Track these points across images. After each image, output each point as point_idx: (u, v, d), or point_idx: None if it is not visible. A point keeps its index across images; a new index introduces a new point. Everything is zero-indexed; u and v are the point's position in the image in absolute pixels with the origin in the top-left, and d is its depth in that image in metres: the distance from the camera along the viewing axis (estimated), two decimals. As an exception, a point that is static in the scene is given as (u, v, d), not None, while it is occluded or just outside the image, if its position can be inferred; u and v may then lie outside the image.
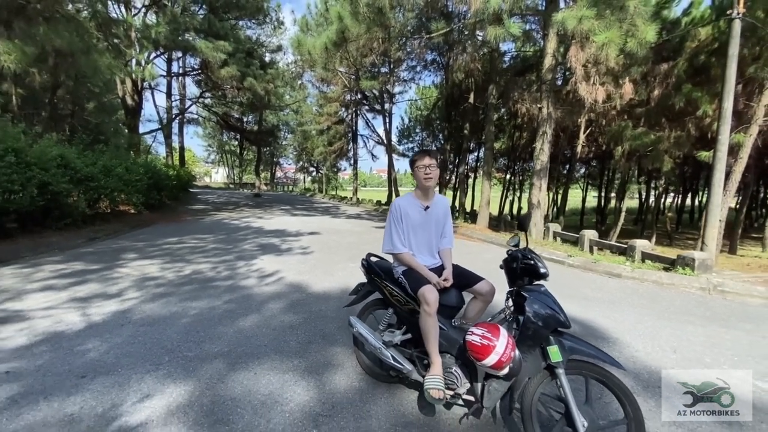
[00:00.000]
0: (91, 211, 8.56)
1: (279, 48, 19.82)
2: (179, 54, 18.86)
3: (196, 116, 25.76)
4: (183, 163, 25.96)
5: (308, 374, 2.57)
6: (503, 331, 1.82)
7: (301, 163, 39.24)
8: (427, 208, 2.30)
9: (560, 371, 1.78)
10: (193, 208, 16.14)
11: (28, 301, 3.86)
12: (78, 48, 8.05)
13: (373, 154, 27.46)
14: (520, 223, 2.21)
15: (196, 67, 18.37)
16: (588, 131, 13.94)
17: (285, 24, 20.34)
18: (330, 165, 30.83)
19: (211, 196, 24.22)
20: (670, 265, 6.25)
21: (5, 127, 6.53)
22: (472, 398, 2.00)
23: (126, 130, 16.75)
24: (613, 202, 22.31)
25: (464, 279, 2.26)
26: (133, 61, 13.24)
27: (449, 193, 21.80)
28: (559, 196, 21.56)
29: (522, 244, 2.19)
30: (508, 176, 23.56)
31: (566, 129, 14.48)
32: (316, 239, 8.62)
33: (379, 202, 23.06)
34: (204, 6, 15.66)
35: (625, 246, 7.19)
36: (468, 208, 19.04)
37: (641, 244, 6.97)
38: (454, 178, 20.32)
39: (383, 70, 19.89)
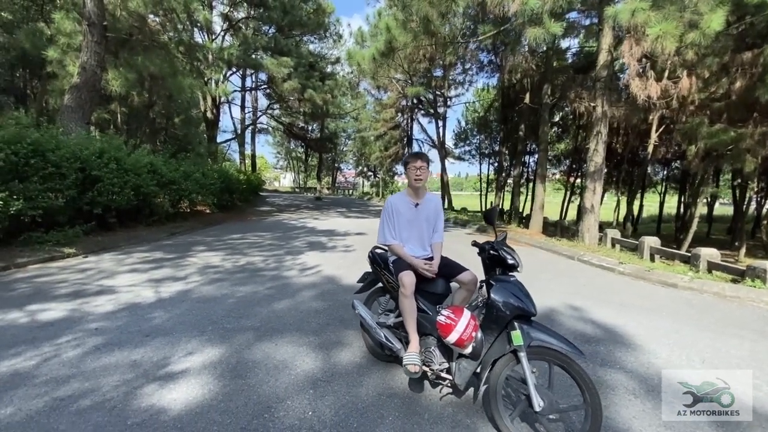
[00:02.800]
0: (173, 210, 10.01)
1: (338, 60, 21.05)
2: (251, 71, 20.99)
3: (265, 126, 28.15)
4: (254, 168, 28.54)
5: (319, 349, 2.95)
6: (466, 313, 2.02)
7: (360, 167, 40.66)
8: (417, 205, 2.55)
9: (522, 354, 1.92)
10: (259, 209, 17.73)
11: (118, 279, 4.81)
12: (167, 72, 9.56)
13: (428, 158, 27.32)
14: (486, 216, 2.37)
15: (265, 81, 20.21)
16: (661, 129, 12.73)
17: (344, 37, 21.55)
18: (386, 169, 31.56)
19: (278, 199, 26.24)
20: (739, 276, 5.62)
21: (110, 139, 8.02)
22: (450, 376, 2.21)
23: (206, 140, 19.03)
24: (697, 209, 19.78)
25: (450, 269, 2.46)
26: (213, 79, 15.11)
27: (506, 196, 21.13)
28: (636, 202, 19.70)
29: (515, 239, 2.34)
30: (571, 179, 22.09)
31: (635, 128, 13.35)
32: (361, 239, 9.10)
33: (433, 206, 23.14)
34: (272, 26, 17.28)
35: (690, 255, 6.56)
36: (525, 212, 18.30)
37: (707, 253, 6.32)
38: (510, 181, 19.64)
39: (437, 74, 20.06)
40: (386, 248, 2.89)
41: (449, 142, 28.08)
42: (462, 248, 8.31)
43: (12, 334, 3.01)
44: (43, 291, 4.19)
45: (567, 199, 22.60)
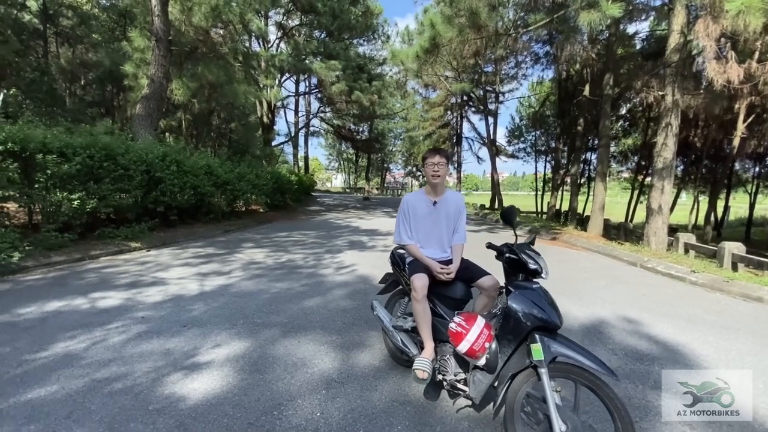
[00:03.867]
0: (228, 209, 10.70)
1: (386, 61, 21.14)
2: (304, 75, 21.85)
3: (317, 129, 29.16)
4: (307, 170, 29.71)
5: (340, 349, 2.92)
6: (479, 321, 1.85)
7: (408, 168, 40.55)
8: (435, 203, 2.41)
9: (542, 371, 1.71)
10: (309, 209, 18.39)
11: (171, 272, 5.21)
12: (223, 80, 10.25)
13: (478, 157, 26.55)
14: (503, 216, 2.15)
15: (316, 85, 20.93)
16: (751, 119, 11.08)
17: (392, 38, 21.60)
18: (435, 169, 31.06)
19: (328, 199, 27.04)
20: None
21: (172, 143, 8.77)
22: (466, 388, 2.05)
23: (262, 144, 20.16)
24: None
25: (470, 273, 2.29)
26: (267, 85, 15.97)
27: (566, 196, 19.75)
28: (720, 203, 17.33)
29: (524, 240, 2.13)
30: (640, 177, 20.07)
31: (717, 118, 11.76)
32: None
33: (482, 206, 22.35)
34: (323, 31, 17.84)
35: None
36: (584, 214, 16.96)
37: (806, 262, 5.34)
38: (568, 179, 18.33)
39: (487, 69, 19.31)
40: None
41: (502, 140, 26.96)
42: None
43: (73, 319, 3.37)
44: (106, 281, 4.66)
45: (635, 199, 20.60)
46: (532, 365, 1.77)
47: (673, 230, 12.60)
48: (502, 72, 19.65)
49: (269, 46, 16.97)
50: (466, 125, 25.82)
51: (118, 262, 5.71)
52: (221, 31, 14.86)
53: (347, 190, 48.27)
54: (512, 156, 25.93)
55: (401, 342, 2.41)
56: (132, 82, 11.48)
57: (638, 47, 13.88)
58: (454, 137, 26.71)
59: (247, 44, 16.35)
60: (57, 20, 21.50)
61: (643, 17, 11.67)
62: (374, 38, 19.96)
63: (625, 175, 23.28)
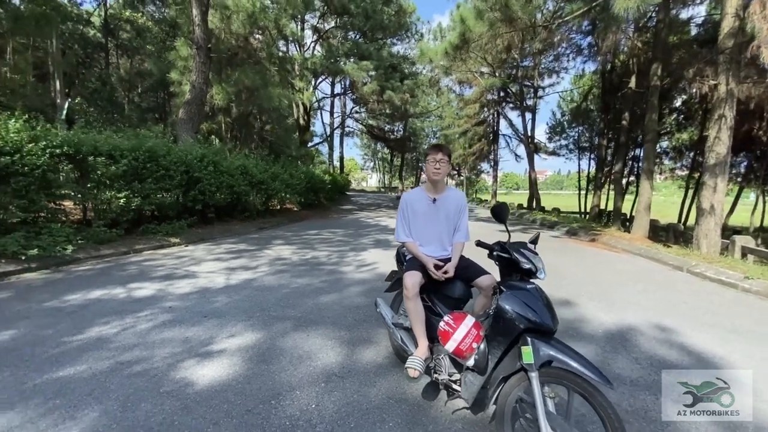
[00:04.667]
0: (263, 207, 11.16)
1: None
2: (339, 77, 22.25)
3: (352, 129, 29.61)
4: (342, 170, 30.26)
5: (346, 344, 2.96)
6: (467, 321, 1.80)
7: (444, 166, 40.08)
8: (435, 200, 2.37)
9: (532, 374, 1.64)
10: (342, 207, 18.72)
11: (202, 266, 5.53)
12: (258, 84, 10.70)
13: (516, 155, 25.68)
14: (494, 213, 2.06)
15: (349, 86, 21.27)
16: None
17: (425, 36, 21.40)
18: (470, 167, 30.47)
19: (362, 199, 27.39)
20: None
21: (217, 146, 9.30)
22: (460, 389, 2.01)
23: (298, 144, 20.80)
24: None
25: (469, 272, 2.23)
26: (302, 88, 16.48)
27: (612, 195, 18.56)
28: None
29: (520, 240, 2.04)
30: (695, 175, 18.40)
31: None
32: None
33: (519, 205, 21.61)
34: (356, 32, 18.07)
35: None
36: (630, 214, 15.88)
37: None
38: (611, 177, 17.23)
39: (526, 63, 18.61)
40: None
41: (542, 137, 25.81)
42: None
43: (110, 306, 3.68)
44: (145, 272, 5.04)
45: (690, 199, 18.93)
46: (522, 369, 1.70)
47: (735, 233, 11.44)
48: (541, 66, 18.85)
49: (305, 49, 17.46)
50: (503, 122, 24.94)
51: (157, 256, 6.15)
52: (259, 37, 15.54)
53: (381, 189, 48.52)
54: (553, 153, 24.79)
55: (401, 339, 2.40)
56: (177, 89, 12.32)
57: (693, 33, 12.76)
58: (491, 135, 26.03)
59: (284, 49, 16.95)
60: (117, 33, 23.48)
61: (697, 1, 10.74)
62: (407, 37, 19.91)
63: (681, 172, 21.49)
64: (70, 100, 14.32)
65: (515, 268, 1.85)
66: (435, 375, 2.10)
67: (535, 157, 21.81)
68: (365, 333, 3.19)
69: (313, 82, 16.67)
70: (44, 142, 5.34)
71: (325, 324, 3.37)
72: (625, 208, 16.39)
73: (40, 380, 2.31)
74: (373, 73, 17.19)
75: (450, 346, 1.79)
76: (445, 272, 2.18)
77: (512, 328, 1.72)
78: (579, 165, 23.98)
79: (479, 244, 2.04)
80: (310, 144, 22.44)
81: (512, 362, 1.76)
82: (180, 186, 7.70)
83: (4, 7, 10.22)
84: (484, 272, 2.19)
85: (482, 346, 1.78)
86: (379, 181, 55.33)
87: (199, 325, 3.26)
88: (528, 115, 19.64)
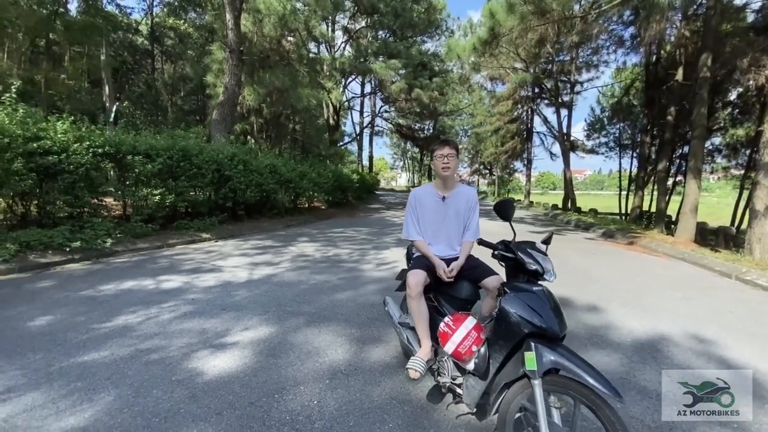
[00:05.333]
0: (291, 205, 11.42)
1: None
2: (369, 76, 22.38)
3: (381, 128, 29.71)
4: (371, 169, 30.40)
5: (355, 342, 2.95)
6: (467, 323, 1.72)
7: (475, 165, 39.27)
8: (444, 198, 2.29)
9: (535, 382, 1.54)
10: (370, 206, 18.79)
11: (229, 260, 5.72)
12: (288, 85, 10.96)
13: (551, 153, 24.69)
14: (497, 210, 1.95)
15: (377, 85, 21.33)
16: None
17: (456, 33, 21.01)
18: (502, 166, 29.66)
19: (390, 198, 27.37)
20: None
21: (245, 145, 9.63)
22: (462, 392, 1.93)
23: (328, 144, 21.13)
24: None
25: (477, 272, 2.14)
26: (332, 88, 16.71)
27: (654, 196, 17.39)
28: None
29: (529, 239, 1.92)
30: (752, 175, 16.84)
31: None
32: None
33: (555, 206, 20.76)
34: (386, 31, 18.07)
35: None
36: (675, 216, 14.79)
37: None
38: (654, 176, 16.15)
39: (562, 57, 17.82)
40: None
41: (580, 134, 24.67)
42: (561, 252, 7.22)
43: (138, 297, 3.88)
44: (174, 266, 5.29)
45: (745, 200, 17.35)
46: (524, 375, 1.61)
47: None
48: (579, 60, 17.96)
49: (335, 50, 17.69)
50: (537, 119, 24.06)
51: (188, 251, 6.44)
52: (291, 39, 15.92)
53: (411, 189, 48.32)
54: (591, 151, 23.55)
55: (407, 339, 2.34)
56: (212, 91, 12.87)
57: (749, 21, 11.65)
58: (524, 132, 25.18)
59: (315, 50, 17.26)
60: (162, 40, 24.91)
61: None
62: (437, 34, 19.67)
63: (736, 171, 19.74)
64: (118, 103, 15.35)
65: (522, 269, 1.75)
66: (438, 377, 2.03)
67: (572, 155, 20.88)
68: (376, 331, 3.16)
69: (342, 82, 16.85)
70: (88, 142, 5.75)
71: (337, 321, 3.37)
72: (672, 209, 15.31)
73: (66, 363, 2.47)
74: (402, 71, 17.12)
75: (448, 347, 1.72)
76: (450, 273, 2.11)
77: (515, 332, 1.63)
78: (620, 164, 22.66)
79: (482, 242, 1.94)
80: (339, 143, 22.72)
81: (515, 368, 1.67)
82: (211, 184, 8.03)
83: (60, 17, 11.10)
84: (492, 273, 2.10)
85: (482, 350, 1.70)
86: (408, 180, 55.15)
87: (217, 318, 3.36)
88: (564, 112, 18.83)
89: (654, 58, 13.88)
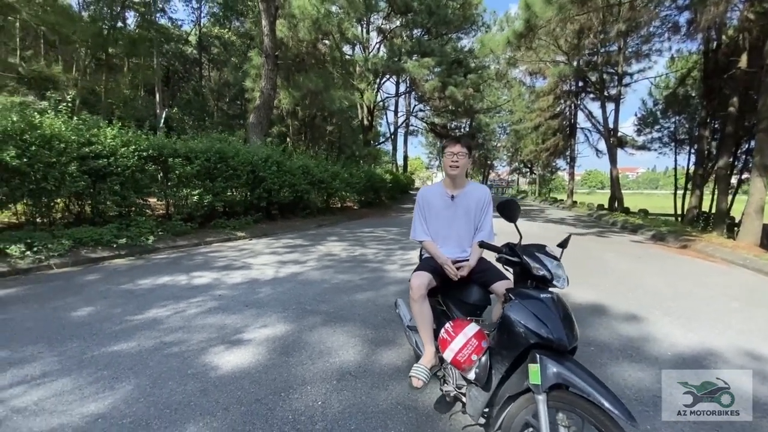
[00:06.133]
0: (323, 205, 11.63)
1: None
2: (404, 76, 22.31)
3: (415, 128, 29.53)
4: (406, 168, 30.29)
5: (368, 344, 2.92)
6: (467, 330, 1.63)
7: (514, 164, 37.95)
8: (453, 197, 2.19)
9: (539, 397, 1.43)
10: (403, 206, 18.71)
11: (259, 258, 5.92)
12: (321, 87, 11.17)
13: (597, 150, 23.27)
14: (501, 210, 1.80)
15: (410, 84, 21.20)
16: None
17: (493, 28, 20.33)
18: (543, 164, 28.40)
19: (425, 197, 27.10)
20: None
21: (274, 146, 9.95)
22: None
23: (362, 144, 21.33)
24: None
25: (487, 276, 2.03)
26: (365, 89, 16.85)
27: (714, 196, 15.84)
28: None
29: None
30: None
31: None
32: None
33: (600, 206, 19.57)
34: (420, 29, 17.92)
35: None
36: (739, 218, 13.37)
37: None
38: (714, 174, 14.69)
39: (609, 48, 16.72)
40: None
41: (629, 129, 23.06)
42: (601, 255, 6.75)
43: (170, 292, 4.10)
44: (208, 263, 5.55)
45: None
46: (528, 389, 1.49)
47: None
48: (628, 50, 16.74)
49: (369, 51, 17.81)
50: (581, 115, 22.76)
51: (223, 248, 6.74)
52: (327, 42, 16.24)
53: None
54: (642, 147, 21.88)
55: (415, 344, 2.27)
56: (250, 95, 13.42)
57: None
58: (567, 128, 23.95)
59: (350, 52, 17.47)
60: (209, 49, 26.38)
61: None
62: (473, 30, 19.19)
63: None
64: (167, 109, 16.45)
65: (530, 274, 1.63)
66: (443, 386, 1.94)
67: (621, 152, 19.56)
68: (391, 334, 3.11)
69: (375, 82, 16.92)
70: (133, 146, 6.18)
71: (353, 321, 3.36)
72: (736, 211, 13.89)
73: (97, 352, 2.65)
74: (437, 69, 16.88)
75: (447, 355, 1.64)
76: (458, 272, 2.01)
77: (518, 342, 1.51)
78: (675, 161, 20.91)
79: (483, 245, 1.82)
80: (374, 143, 22.85)
81: (520, 381, 1.55)
82: (247, 184, 8.36)
83: (117, 31, 12.06)
84: (502, 277, 1.98)
85: (483, 360, 1.60)
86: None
87: (239, 314, 3.47)
88: (610, 106, 17.63)
89: (713, 44, 12.64)
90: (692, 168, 18.53)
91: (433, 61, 14.73)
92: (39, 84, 11.13)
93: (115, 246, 5.65)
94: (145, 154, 6.36)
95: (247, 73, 13.12)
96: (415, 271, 2.09)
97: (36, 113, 5.32)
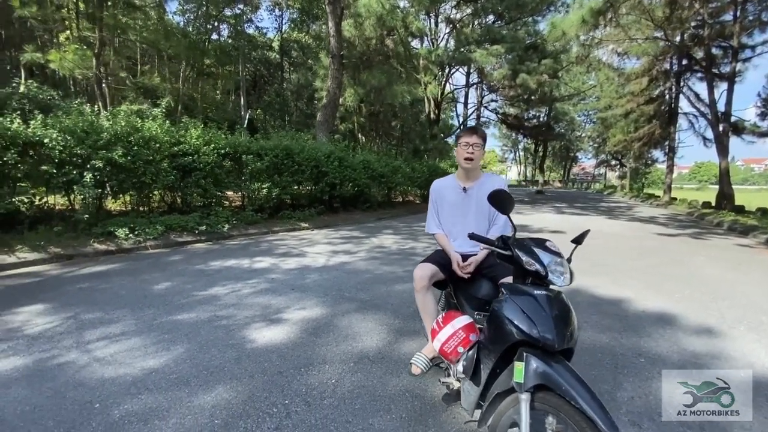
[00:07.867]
0: (384, 199, 11.89)
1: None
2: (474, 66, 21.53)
3: (486, 119, 28.31)
4: (476, 162, 29.23)
5: (393, 332, 2.99)
6: (455, 322, 1.61)
7: (601, 156, 34.28)
8: (465, 189, 2.14)
9: (522, 396, 1.38)
10: (469, 201, 18.19)
11: (315, 247, 6.33)
12: (384, 83, 11.38)
13: (705, 138, 19.94)
14: (492, 199, 1.68)
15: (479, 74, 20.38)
16: None
17: (572, 8, 18.40)
18: (635, 155, 25.21)
19: (495, 192, 25.95)
20: None
21: (336, 143, 10.45)
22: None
23: (429, 138, 21.17)
24: None
25: (496, 271, 1.96)
26: (431, 82, 16.67)
27: None
28: None
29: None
30: None
31: None
32: (552, 237, 7.92)
33: (706, 204, 16.83)
34: (490, 15, 17.13)
35: None
36: None
37: None
38: None
39: (725, 18, 14.14)
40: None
41: (750, 113, 19.45)
42: (689, 259, 5.85)
43: (233, 273, 4.63)
44: (270, 249, 6.11)
45: None
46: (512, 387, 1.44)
47: None
48: (748, 17, 13.95)
49: (437, 43, 17.55)
50: (684, 99, 19.64)
51: (286, 237, 7.34)
52: (393, 37, 16.40)
53: (522, 183, 44.89)
54: (766, 134, 18.22)
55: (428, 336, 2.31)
56: (319, 95, 14.20)
57: None
58: (666, 114, 20.89)
59: (417, 45, 17.41)
60: (290, 53, 28.40)
61: None
62: (551, 12, 17.66)
63: None
64: (250, 111, 18.19)
65: (524, 269, 1.56)
66: (445, 377, 1.95)
67: (736, 140, 16.46)
68: (417, 325, 3.12)
69: (441, 75, 16.61)
70: (213, 145, 7.03)
71: (385, 310, 3.46)
72: None
73: (165, 319, 3.15)
74: (509, 56, 15.98)
75: (435, 345, 1.64)
76: (465, 270, 1.98)
77: (503, 339, 1.47)
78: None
79: (473, 237, 1.76)
80: (442, 137, 22.52)
81: (509, 378, 1.50)
82: (311, 179, 8.95)
83: (210, 43, 13.65)
84: (511, 272, 1.90)
85: (471, 353, 1.58)
86: (519, 174, 51.33)
87: (284, 296, 3.80)
88: (722, 86, 14.93)
89: None
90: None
91: (503, 48, 13.93)
92: (151, 93, 13.19)
93: (197, 232, 6.51)
94: (222, 151, 7.20)
95: (317, 73, 13.90)
96: (421, 261, 2.11)
97: (138, 119, 6.35)
